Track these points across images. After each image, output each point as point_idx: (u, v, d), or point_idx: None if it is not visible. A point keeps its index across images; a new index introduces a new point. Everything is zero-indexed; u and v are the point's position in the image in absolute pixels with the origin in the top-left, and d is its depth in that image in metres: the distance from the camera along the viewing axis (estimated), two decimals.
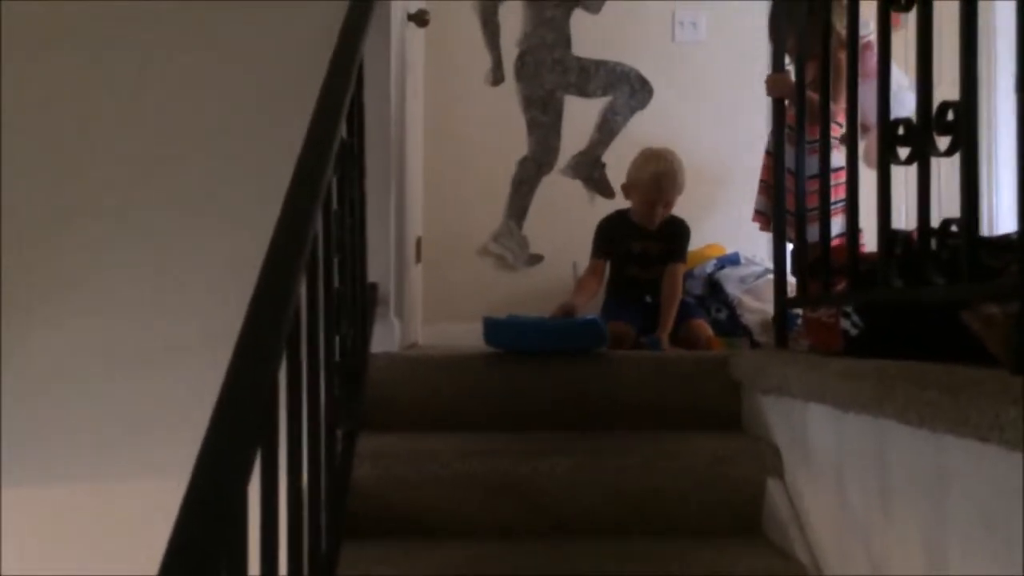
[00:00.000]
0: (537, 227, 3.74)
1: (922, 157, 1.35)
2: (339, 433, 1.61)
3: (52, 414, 2.18)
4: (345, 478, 1.66)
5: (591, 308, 2.79)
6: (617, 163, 3.51)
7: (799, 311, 2.18)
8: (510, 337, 2.11)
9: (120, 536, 2.19)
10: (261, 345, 0.99)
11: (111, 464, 2.20)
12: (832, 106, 2.02)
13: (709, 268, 3.24)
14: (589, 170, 3.75)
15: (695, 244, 3.36)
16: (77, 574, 2.11)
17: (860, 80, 1.63)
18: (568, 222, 3.63)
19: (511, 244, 3.73)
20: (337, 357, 1.56)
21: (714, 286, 3.19)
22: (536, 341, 2.09)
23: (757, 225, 2.97)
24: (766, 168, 2.82)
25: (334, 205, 1.52)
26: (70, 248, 2.19)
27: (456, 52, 3.67)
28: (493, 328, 2.11)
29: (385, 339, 2.11)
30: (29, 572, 2.20)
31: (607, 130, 3.75)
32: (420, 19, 2.57)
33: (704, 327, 2.77)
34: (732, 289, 3.15)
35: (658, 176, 2.80)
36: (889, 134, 1.44)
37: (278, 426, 1.01)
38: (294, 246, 1.17)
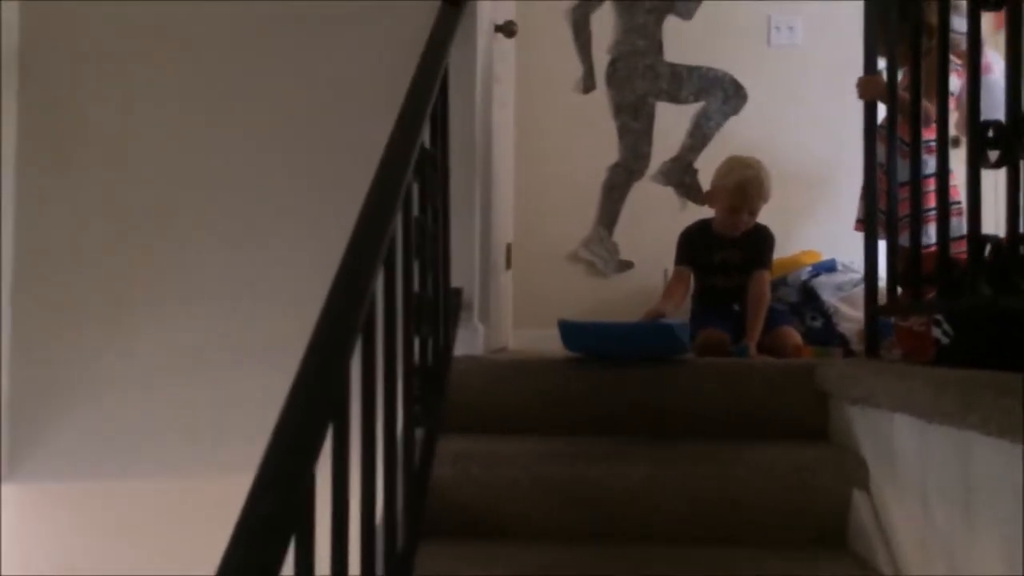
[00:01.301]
0: (627, 234, 3.73)
1: (1012, 160, 1.30)
2: (419, 434, 1.65)
3: (144, 412, 2.30)
4: (424, 478, 1.70)
5: (680, 314, 2.76)
6: (709, 169, 3.46)
7: (893, 319, 2.12)
8: (586, 341, 2.10)
9: (199, 534, 2.28)
10: (332, 331, 1.04)
11: (198, 461, 2.30)
12: (927, 105, 1.95)
13: (804, 275, 3.17)
14: (681, 176, 3.72)
15: (791, 250, 3.29)
16: (152, 573, 2.21)
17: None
18: (659, 229, 3.59)
19: (601, 251, 3.72)
20: (417, 358, 1.60)
21: (809, 293, 3.12)
22: (611, 345, 2.08)
23: (859, 233, 2.88)
24: None
25: (415, 211, 1.56)
26: (164, 252, 2.31)
27: (547, 59, 3.70)
28: (568, 332, 2.10)
29: (469, 343, 2.15)
30: (102, 567, 2.29)
31: (699, 136, 3.71)
32: (508, 30, 2.60)
33: (792, 335, 2.71)
34: (828, 297, 3.08)
35: (744, 183, 2.75)
36: (979, 137, 1.39)
37: (348, 410, 1.05)
38: (370, 242, 1.21)
